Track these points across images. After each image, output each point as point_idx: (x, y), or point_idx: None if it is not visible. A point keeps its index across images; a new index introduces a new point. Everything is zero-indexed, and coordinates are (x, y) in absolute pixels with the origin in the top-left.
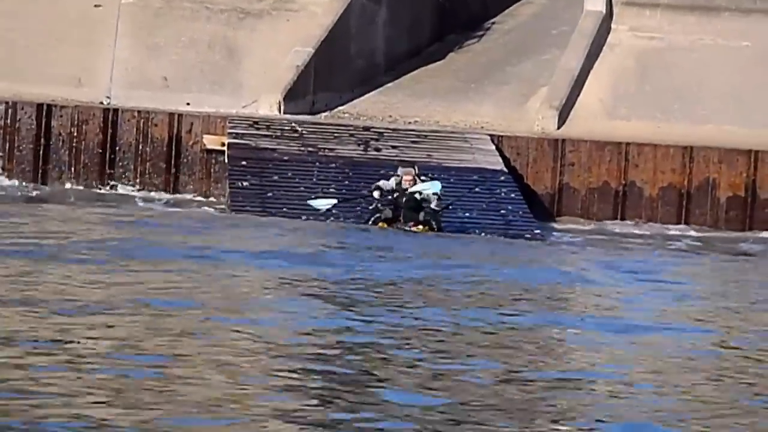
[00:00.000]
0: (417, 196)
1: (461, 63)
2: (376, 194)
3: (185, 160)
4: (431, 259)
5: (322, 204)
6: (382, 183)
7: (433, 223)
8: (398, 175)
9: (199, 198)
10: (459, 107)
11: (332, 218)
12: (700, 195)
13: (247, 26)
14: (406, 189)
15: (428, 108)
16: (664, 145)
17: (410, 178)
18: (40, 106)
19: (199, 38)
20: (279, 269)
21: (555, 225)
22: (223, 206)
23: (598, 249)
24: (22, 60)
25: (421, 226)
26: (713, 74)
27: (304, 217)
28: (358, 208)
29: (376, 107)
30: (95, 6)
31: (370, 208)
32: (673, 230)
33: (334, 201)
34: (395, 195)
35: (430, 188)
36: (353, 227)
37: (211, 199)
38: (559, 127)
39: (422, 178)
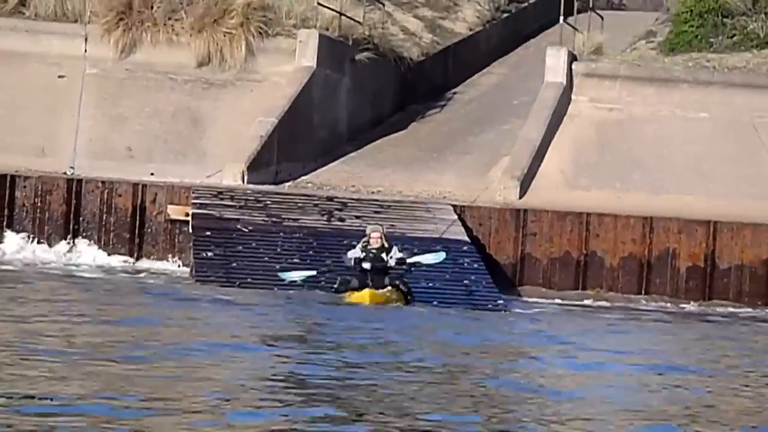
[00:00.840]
0: (384, 256)
1: (423, 133)
2: (347, 258)
3: (149, 230)
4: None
5: (296, 276)
6: (350, 254)
7: (400, 286)
8: (365, 236)
9: (161, 266)
10: (421, 177)
11: (300, 288)
12: (660, 265)
13: (211, 96)
14: (375, 250)
15: (390, 177)
16: (625, 216)
17: (378, 236)
18: (3, 176)
19: (163, 108)
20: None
21: (520, 296)
22: (186, 276)
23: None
24: None
25: (388, 288)
26: (672, 145)
27: (275, 288)
28: (324, 277)
29: (339, 177)
30: (59, 77)
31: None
32: (635, 301)
33: (312, 273)
34: (363, 258)
35: (433, 259)
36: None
37: (174, 266)
38: (520, 197)
39: (391, 243)
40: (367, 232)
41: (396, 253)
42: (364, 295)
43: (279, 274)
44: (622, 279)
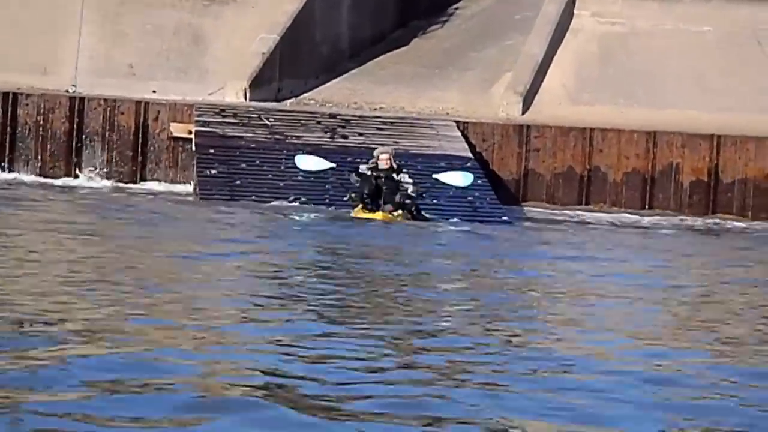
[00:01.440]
0: (394, 176)
1: (425, 49)
2: (353, 177)
3: (152, 148)
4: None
5: (314, 164)
6: (361, 167)
7: (412, 209)
8: (373, 158)
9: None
10: (424, 93)
11: (302, 201)
12: (664, 180)
13: (212, 13)
14: (384, 171)
15: (393, 94)
16: (628, 131)
17: (387, 158)
18: (5, 94)
19: (164, 25)
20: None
21: (523, 212)
22: (190, 195)
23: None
24: None
25: (400, 211)
26: (675, 59)
27: (273, 203)
28: (328, 194)
29: (341, 94)
30: None
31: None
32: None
33: (331, 165)
34: (373, 177)
35: (461, 180)
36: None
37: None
38: (523, 113)
39: (398, 161)
40: (375, 154)
41: (405, 178)
42: (376, 216)
43: (296, 158)
44: (626, 194)
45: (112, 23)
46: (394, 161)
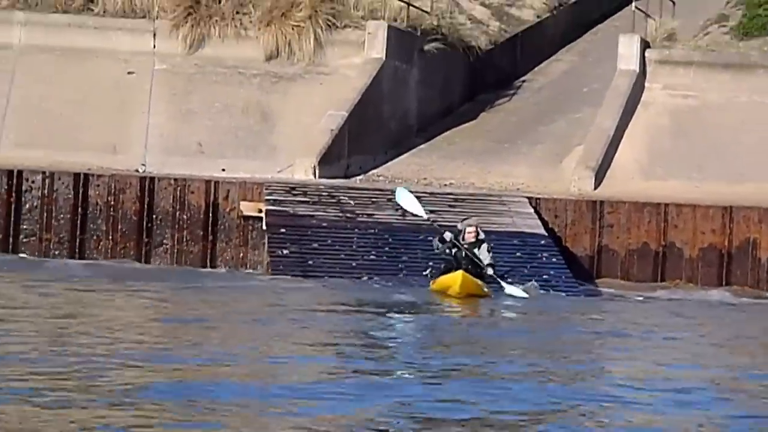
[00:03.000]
0: (476, 251)
1: (494, 123)
2: (436, 243)
3: (222, 227)
4: None
5: (412, 205)
6: (445, 235)
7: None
8: (459, 230)
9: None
10: (493, 168)
11: (372, 278)
12: (741, 255)
13: (281, 90)
14: (468, 244)
15: (462, 169)
16: (704, 206)
17: (473, 231)
18: (77, 175)
19: (232, 103)
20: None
21: (598, 289)
22: (260, 273)
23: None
24: (56, 128)
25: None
26: (749, 132)
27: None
28: (402, 273)
29: (410, 169)
30: (128, 73)
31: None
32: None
33: (427, 216)
34: (454, 250)
35: (516, 293)
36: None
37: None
38: (595, 188)
39: (482, 234)
40: (460, 227)
41: (485, 253)
42: (455, 278)
43: (397, 190)
44: (702, 270)
45: (181, 102)
46: (480, 234)
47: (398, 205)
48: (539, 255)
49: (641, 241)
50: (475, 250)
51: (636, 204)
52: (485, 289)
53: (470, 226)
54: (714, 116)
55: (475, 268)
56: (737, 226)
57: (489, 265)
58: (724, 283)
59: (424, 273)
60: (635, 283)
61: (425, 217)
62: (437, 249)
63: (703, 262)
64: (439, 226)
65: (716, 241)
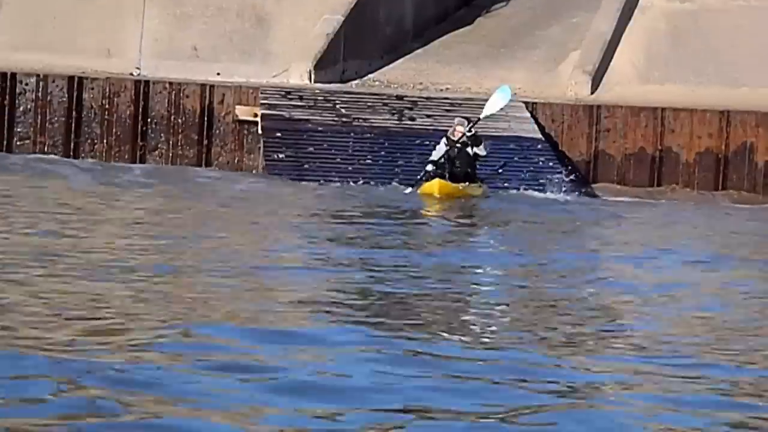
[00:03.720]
0: (468, 150)
1: (490, 27)
2: (429, 168)
3: (217, 131)
4: None
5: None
6: (433, 155)
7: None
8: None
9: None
10: (490, 73)
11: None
12: (738, 160)
13: None
14: (457, 141)
15: (459, 74)
16: (701, 110)
17: (462, 129)
18: (71, 78)
19: (227, 7)
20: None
21: (594, 193)
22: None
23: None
24: (50, 31)
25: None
26: (747, 36)
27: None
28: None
29: (406, 74)
30: None
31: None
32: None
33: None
34: (447, 149)
35: (501, 99)
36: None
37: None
38: (592, 93)
39: (474, 132)
40: (454, 123)
41: (483, 151)
42: (432, 185)
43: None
44: (698, 175)
45: (175, 5)
46: (469, 132)
47: (407, 105)
48: (535, 159)
49: (638, 146)
50: (469, 150)
51: (633, 108)
52: (468, 192)
53: (460, 125)
54: (711, 20)
55: (466, 168)
56: (734, 130)
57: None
58: (720, 187)
59: (405, 192)
60: (631, 188)
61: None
62: (438, 155)
63: (699, 167)
64: (435, 130)
65: (713, 146)
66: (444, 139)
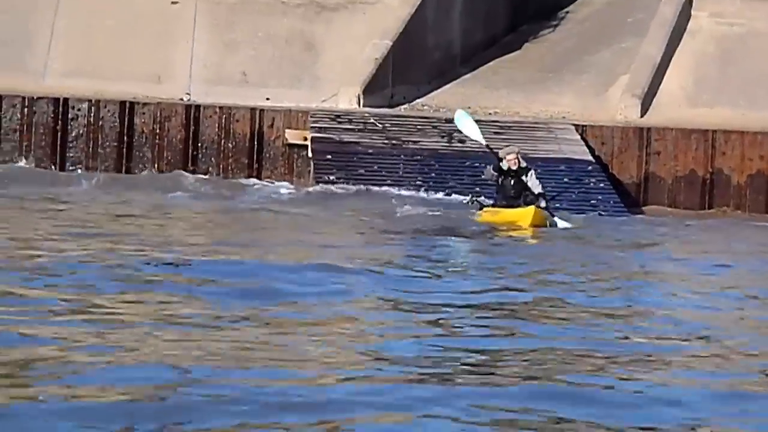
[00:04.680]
0: (523, 178)
1: (537, 53)
2: (489, 170)
3: (267, 155)
4: None
5: (471, 130)
6: (484, 176)
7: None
8: (498, 159)
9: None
10: (538, 97)
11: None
12: None
13: (324, 20)
14: (511, 171)
15: (507, 99)
16: (751, 132)
17: (513, 157)
18: (122, 103)
19: (276, 33)
20: None
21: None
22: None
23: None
24: (101, 58)
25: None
26: None
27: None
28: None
29: (455, 99)
30: (172, 2)
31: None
32: None
33: (484, 143)
34: (501, 178)
35: (563, 224)
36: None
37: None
38: (642, 116)
39: (525, 161)
40: (501, 155)
41: (534, 180)
42: (526, 213)
43: (457, 113)
44: (750, 197)
45: (225, 31)
46: (521, 160)
47: (457, 128)
48: (586, 181)
49: (688, 168)
50: (523, 178)
51: (683, 131)
52: (548, 221)
53: (510, 153)
54: (760, 44)
55: (521, 195)
56: None
57: (540, 195)
58: None
59: (463, 201)
60: (682, 210)
61: (483, 142)
62: (490, 177)
63: (751, 189)
64: (485, 153)
65: (764, 168)
66: (492, 167)
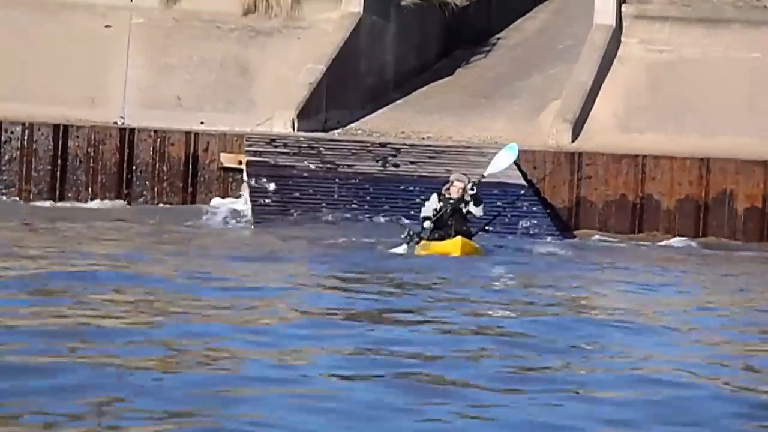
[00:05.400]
0: (462, 207)
1: (470, 78)
2: (427, 224)
3: (202, 179)
4: None
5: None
6: (424, 211)
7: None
8: (447, 182)
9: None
10: (470, 122)
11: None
12: (718, 207)
13: (259, 44)
14: (452, 200)
15: (440, 123)
16: (681, 158)
17: (461, 186)
18: (56, 126)
19: (210, 57)
20: None
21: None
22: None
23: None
24: (34, 81)
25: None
26: (724, 86)
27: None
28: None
29: (388, 123)
30: (106, 26)
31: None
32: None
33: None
34: (440, 205)
35: (508, 157)
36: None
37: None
38: (573, 141)
39: (470, 191)
40: (451, 179)
41: (480, 212)
42: (454, 244)
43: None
44: (679, 221)
45: (159, 55)
46: (472, 191)
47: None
48: (519, 204)
49: (619, 193)
50: (462, 207)
51: (614, 156)
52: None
53: (458, 180)
54: (689, 70)
55: (462, 226)
56: (714, 177)
57: (482, 221)
58: (701, 234)
59: (402, 236)
60: (613, 234)
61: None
62: (433, 209)
63: (680, 213)
64: (419, 177)
65: (693, 193)
66: (436, 196)
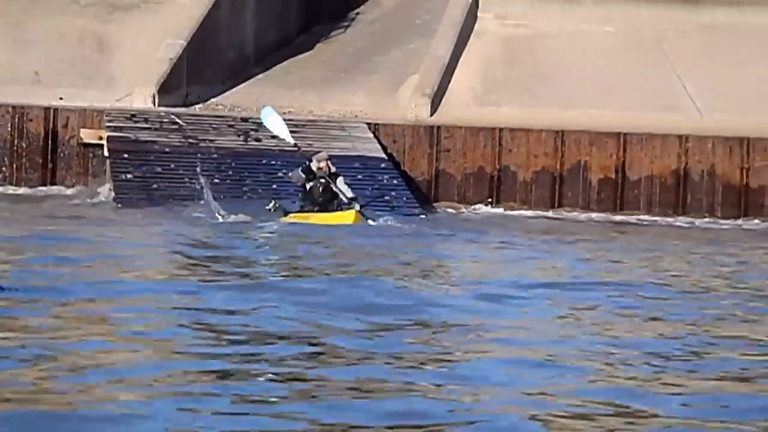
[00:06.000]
0: (332, 185)
1: (330, 53)
2: (298, 173)
3: (62, 155)
4: None
5: (278, 127)
6: (291, 177)
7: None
8: (308, 159)
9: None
10: (331, 97)
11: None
12: (572, 178)
13: (117, 20)
14: (322, 178)
15: (300, 98)
16: (536, 130)
17: (324, 165)
18: None
19: (68, 33)
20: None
21: (436, 211)
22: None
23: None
24: None
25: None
26: (578, 60)
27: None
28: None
29: (249, 99)
30: None
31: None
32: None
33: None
34: (310, 183)
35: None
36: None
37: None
38: (431, 114)
39: (335, 166)
40: (314, 159)
41: (344, 186)
42: (347, 217)
43: (264, 109)
44: (536, 193)
45: (16, 30)
46: (332, 167)
47: (253, 127)
48: (380, 177)
49: (477, 165)
50: (332, 184)
51: (471, 129)
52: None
53: (321, 160)
54: (544, 45)
55: (332, 201)
56: (568, 149)
57: (353, 199)
58: (556, 205)
59: (266, 207)
60: (472, 205)
61: (291, 140)
62: (297, 180)
63: (536, 185)
64: (281, 151)
65: (548, 164)
66: (301, 169)
